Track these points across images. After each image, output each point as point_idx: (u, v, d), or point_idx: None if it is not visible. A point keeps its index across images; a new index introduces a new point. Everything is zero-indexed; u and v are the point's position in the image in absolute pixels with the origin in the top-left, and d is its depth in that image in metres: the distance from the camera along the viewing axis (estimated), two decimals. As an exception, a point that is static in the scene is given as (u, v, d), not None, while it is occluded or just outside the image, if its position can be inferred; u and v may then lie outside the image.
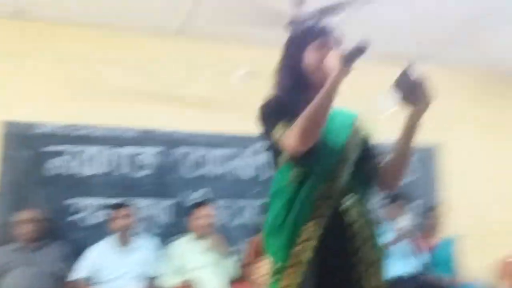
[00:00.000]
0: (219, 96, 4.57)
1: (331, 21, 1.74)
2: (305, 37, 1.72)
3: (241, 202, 4.43)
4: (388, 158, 1.70)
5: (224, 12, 4.01)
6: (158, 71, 4.45)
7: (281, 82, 1.74)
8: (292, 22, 3.49)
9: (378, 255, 1.62)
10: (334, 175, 1.61)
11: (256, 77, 4.57)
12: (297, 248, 1.55)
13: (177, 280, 3.67)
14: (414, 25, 4.34)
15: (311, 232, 1.55)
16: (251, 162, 4.54)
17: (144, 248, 3.86)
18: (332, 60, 1.50)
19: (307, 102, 1.56)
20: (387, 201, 4.43)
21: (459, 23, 4.26)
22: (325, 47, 1.66)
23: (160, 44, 4.48)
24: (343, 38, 1.71)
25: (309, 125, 1.48)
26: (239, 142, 4.53)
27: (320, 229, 1.56)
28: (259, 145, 4.53)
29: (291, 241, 1.56)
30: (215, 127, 4.47)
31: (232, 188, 4.44)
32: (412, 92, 1.52)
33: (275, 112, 1.63)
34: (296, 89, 1.69)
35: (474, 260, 4.70)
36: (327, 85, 1.47)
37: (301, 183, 1.58)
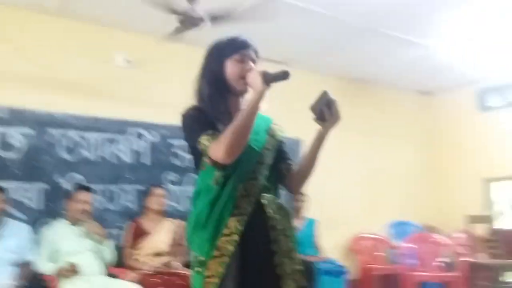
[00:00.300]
0: (96, 80, 4.52)
1: (250, 36, 1.90)
2: (226, 49, 1.84)
3: (118, 187, 4.46)
4: (296, 164, 1.94)
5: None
6: (33, 49, 4.26)
7: (203, 90, 1.85)
8: (183, 18, 3.63)
9: (293, 244, 1.85)
10: (253, 176, 1.78)
11: (133, 64, 4.63)
12: (221, 242, 1.70)
13: (53, 265, 3.63)
14: (291, 36, 4.77)
15: (233, 228, 1.71)
16: (128, 148, 4.57)
17: (16, 233, 3.73)
18: (252, 74, 1.71)
19: (228, 110, 1.76)
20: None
21: (326, 38, 4.80)
22: (244, 60, 1.82)
23: (37, 22, 4.28)
24: (259, 52, 1.88)
25: (236, 140, 1.64)
26: (116, 127, 4.53)
27: (242, 224, 1.72)
28: (136, 130, 4.60)
29: (215, 236, 1.70)
30: (92, 110, 4.42)
31: (109, 173, 4.44)
32: (324, 112, 1.80)
33: (199, 122, 1.75)
34: (217, 98, 1.82)
35: (327, 241, 5.34)
36: (251, 102, 1.67)
37: (224, 183, 1.75)
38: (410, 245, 5.68)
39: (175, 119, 4.67)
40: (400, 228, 6.33)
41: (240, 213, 1.73)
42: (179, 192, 4.76)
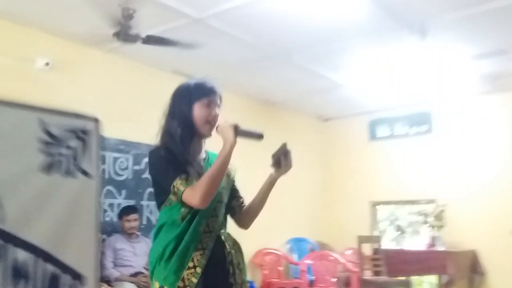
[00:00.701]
0: (14, 81, 4.25)
1: (215, 83, 2.03)
2: (195, 93, 1.96)
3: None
4: (248, 203, 2.12)
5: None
6: None
7: (173, 131, 1.94)
8: (120, 32, 3.63)
9: (245, 277, 2.02)
10: (214, 213, 1.94)
11: (52, 68, 4.45)
12: (185, 274, 1.83)
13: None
14: (212, 55, 4.96)
15: (197, 261, 1.84)
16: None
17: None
18: (225, 126, 1.87)
19: (193, 148, 1.94)
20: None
21: (241, 58, 5.07)
22: (211, 106, 1.96)
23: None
24: (222, 99, 2.03)
25: (211, 189, 1.79)
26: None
27: (205, 258, 1.86)
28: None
29: (180, 268, 1.82)
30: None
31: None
32: (281, 160, 2.01)
33: (171, 164, 1.86)
34: (187, 139, 1.94)
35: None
36: (223, 154, 1.84)
37: (189, 219, 1.88)
38: (309, 261, 6.07)
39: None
40: (297, 244, 6.74)
41: (203, 248, 1.88)
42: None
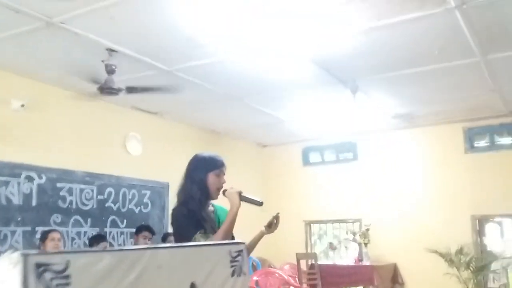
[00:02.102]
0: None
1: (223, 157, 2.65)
2: (210, 165, 2.54)
3: (8, 229, 4.51)
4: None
5: (19, 46, 4.09)
6: None
7: (193, 193, 2.49)
8: (105, 87, 4.10)
9: None
10: None
11: (28, 109, 4.77)
12: None
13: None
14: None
15: None
16: (19, 190, 4.66)
17: None
18: (232, 192, 2.47)
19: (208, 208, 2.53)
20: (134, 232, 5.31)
21: (199, 99, 5.69)
22: (220, 176, 2.56)
23: None
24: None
25: (224, 239, 2.36)
26: (8, 170, 4.61)
27: None
28: (26, 174, 4.74)
29: None
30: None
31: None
32: (273, 224, 2.68)
33: (192, 220, 2.41)
34: (203, 199, 2.51)
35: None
36: (231, 215, 2.43)
37: None
38: (256, 278, 6.71)
39: (63, 163, 4.91)
40: (241, 262, 7.33)
41: None
42: (64, 233, 4.97)
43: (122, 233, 5.62)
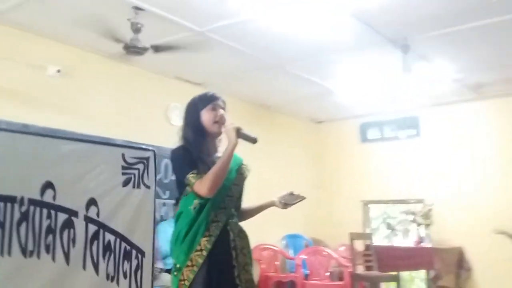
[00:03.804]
0: (29, 88, 4.59)
1: (216, 91, 2.49)
2: (200, 103, 2.40)
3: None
4: (244, 207, 2.53)
5: (48, 8, 4.05)
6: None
7: (188, 136, 2.36)
8: (130, 45, 3.98)
9: (250, 260, 2.42)
10: (223, 206, 2.33)
11: (64, 75, 4.77)
12: (193, 255, 2.24)
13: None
14: (212, 64, 5.35)
15: (203, 246, 2.24)
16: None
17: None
18: (229, 127, 2.29)
19: (207, 151, 2.35)
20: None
21: (239, 67, 5.46)
22: (215, 109, 2.39)
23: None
24: (223, 100, 2.46)
25: (216, 181, 2.19)
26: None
27: (210, 243, 2.24)
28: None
29: (190, 250, 2.24)
30: (21, 117, 4.48)
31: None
32: (289, 203, 2.48)
33: (186, 160, 2.27)
34: (199, 141, 2.35)
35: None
36: (226, 151, 2.24)
37: (200, 209, 2.27)
38: (304, 256, 6.43)
39: (102, 130, 4.92)
40: (292, 240, 7.09)
41: (210, 235, 2.28)
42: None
43: (164, 204, 5.54)
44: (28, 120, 4.48)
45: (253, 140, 2.32)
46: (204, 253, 2.23)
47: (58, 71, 4.62)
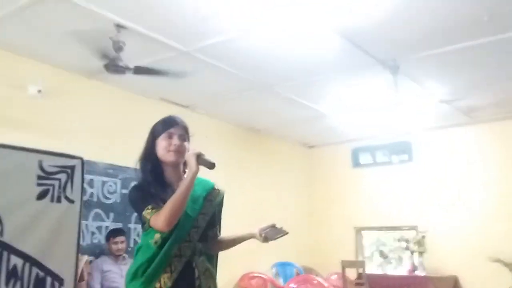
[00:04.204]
0: (8, 108, 4.45)
1: (178, 117, 2.29)
2: (157, 130, 2.21)
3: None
4: (221, 237, 2.34)
5: (27, 26, 3.95)
6: None
7: (145, 167, 2.19)
8: (110, 64, 3.86)
9: None
10: (188, 238, 2.12)
11: (45, 95, 4.64)
12: None
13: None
14: (199, 85, 5.23)
15: (163, 283, 2.03)
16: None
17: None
18: (189, 155, 2.09)
19: (167, 180, 2.16)
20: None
21: (226, 88, 5.34)
22: (171, 137, 2.18)
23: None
24: (184, 126, 2.24)
25: (174, 213, 1.98)
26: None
27: (172, 280, 2.04)
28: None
29: (148, 287, 2.03)
30: (4, 139, 4.32)
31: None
32: (269, 236, 2.31)
33: (141, 198, 2.10)
34: (154, 171, 2.16)
35: (218, 278, 5.61)
36: (185, 181, 2.04)
37: (162, 243, 2.07)
38: (294, 285, 6.20)
39: (82, 153, 4.74)
40: (283, 268, 6.87)
41: (171, 271, 2.07)
42: (83, 226, 4.71)
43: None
44: (8, 140, 4.32)
45: (211, 165, 2.10)
46: None
47: (39, 91, 4.49)
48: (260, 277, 6.47)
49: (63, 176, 2.61)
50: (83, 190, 2.68)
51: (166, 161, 2.17)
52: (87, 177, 4.83)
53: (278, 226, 2.36)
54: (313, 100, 5.81)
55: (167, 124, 2.21)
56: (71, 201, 2.64)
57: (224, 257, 6.14)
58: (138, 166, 2.21)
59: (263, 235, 2.30)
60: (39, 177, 2.50)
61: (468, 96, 5.68)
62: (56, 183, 2.55)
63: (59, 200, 2.60)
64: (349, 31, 3.95)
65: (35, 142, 4.42)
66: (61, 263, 2.57)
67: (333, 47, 4.24)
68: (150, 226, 2.06)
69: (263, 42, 4.15)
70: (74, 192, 2.67)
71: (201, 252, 2.17)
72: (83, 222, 4.72)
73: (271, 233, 2.31)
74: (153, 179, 2.14)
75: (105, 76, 4.60)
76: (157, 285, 2.02)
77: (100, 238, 4.89)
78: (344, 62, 4.60)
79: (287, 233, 2.29)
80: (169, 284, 2.03)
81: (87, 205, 4.81)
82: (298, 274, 6.88)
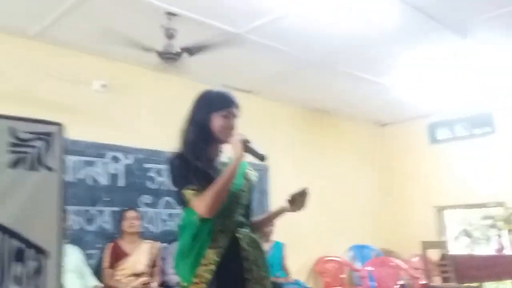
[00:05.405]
0: (75, 103, 4.65)
1: (234, 95, 2.14)
2: (215, 104, 2.09)
3: (95, 209, 4.54)
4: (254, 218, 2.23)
5: (88, 25, 4.11)
6: (11, 72, 4.29)
7: (188, 136, 2.07)
8: (164, 52, 3.89)
9: (265, 273, 2.10)
10: (230, 214, 2.04)
11: (110, 90, 4.79)
12: (199, 270, 1.96)
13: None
14: (258, 68, 5.16)
15: (210, 258, 1.96)
16: (105, 170, 4.69)
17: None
18: (236, 140, 2.01)
19: (208, 156, 2.06)
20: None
21: (285, 69, 5.20)
22: (229, 117, 2.09)
23: (17, 46, 4.34)
24: (241, 110, 2.14)
25: (216, 200, 1.91)
26: (93, 150, 4.65)
27: (218, 256, 1.96)
28: (112, 154, 4.74)
29: (195, 265, 1.96)
30: (70, 133, 4.52)
31: (86, 194, 4.51)
32: (296, 200, 2.18)
33: (184, 172, 1.99)
34: (200, 145, 2.05)
35: (293, 263, 5.57)
36: (230, 167, 1.97)
37: (204, 219, 1.99)
38: (371, 268, 6.00)
39: (149, 144, 4.85)
40: (360, 251, 6.67)
41: (217, 246, 1.99)
42: (154, 214, 4.90)
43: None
44: (76, 135, 4.53)
45: (261, 157, 2.01)
46: (212, 266, 1.95)
47: (104, 85, 4.65)
48: (336, 260, 6.34)
49: (40, 144, 2.48)
50: (63, 158, 2.56)
51: (217, 138, 2.09)
52: (155, 166, 5.00)
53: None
54: (379, 74, 5.53)
55: (229, 102, 2.11)
56: (49, 169, 2.51)
57: (298, 241, 6.12)
58: (184, 132, 2.11)
59: (289, 202, 2.19)
60: (12, 144, 2.39)
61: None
62: (33, 150, 2.42)
63: (36, 168, 2.47)
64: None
65: (101, 134, 4.63)
66: (44, 234, 2.45)
67: (395, 14, 3.99)
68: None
69: (317, 16, 3.99)
70: (53, 160, 2.49)
71: (244, 225, 2.11)
72: (154, 210, 4.91)
73: (296, 196, 2.20)
74: (201, 152, 2.05)
75: (167, 67, 4.66)
76: (204, 261, 1.96)
77: (172, 224, 4.99)
78: (407, 30, 4.32)
79: (306, 188, 2.14)
80: (216, 258, 1.97)
81: (158, 194, 4.96)
82: (376, 256, 6.66)
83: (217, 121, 2.07)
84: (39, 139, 2.47)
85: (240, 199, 2.11)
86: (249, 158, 2.06)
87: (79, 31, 4.25)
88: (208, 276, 1.95)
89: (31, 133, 2.46)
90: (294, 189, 2.23)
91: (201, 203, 1.92)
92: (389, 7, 3.90)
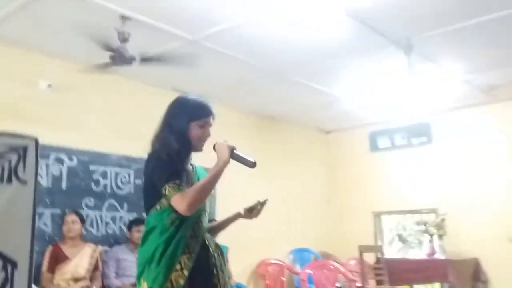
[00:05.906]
0: (20, 103, 4.48)
1: (210, 103, 2.22)
2: (193, 113, 2.15)
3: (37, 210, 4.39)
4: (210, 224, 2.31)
5: (34, 21, 3.96)
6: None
7: (171, 145, 2.09)
8: (116, 55, 3.83)
9: (227, 278, 2.20)
10: (200, 220, 2.12)
11: (56, 90, 4.65)
12: (173, 276, 1.98)
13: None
14: (212, 75, 5.20)
15: (184, 264, 2.01)
16: (47, 172, 4.55)
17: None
18: (222, 146, 2.08)
19: (187, 162, 2.14)
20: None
21: (238, 76, 5.28)
22: (205, 126, 2.17)
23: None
24: (215, 119, 2.21)
25: (199, 199, 1.97)
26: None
27: (191, 261, 2.02)
28: (56, 155, 4.61)
29: (169, 270, 1.98)
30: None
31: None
32: (254, 209, 2.30)
33: (168, 168, 2.02)
34: (183, 153, 2.12)
35: (235, 266, 5.63)
36: (216, 170, 2.02)
37: (179, 224, 2.04)
38: (310, 271, 6.18)
39: (95, 145, 4.77)
40: (300, 254, 6.85)
41: (189, 251, 2.04)
42: (97, 217, 4.81)
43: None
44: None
45: (252, 164, 2.08)
46: (185, 272, 1.98)
47: (49, 85, 4.51)
48: (277, 263, 6.47)
49: (13, 157, 2.49)
50: (37, 172, 2.59)
51: (195, 148, 2.17)
52: (100, 168, 4.91)
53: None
54: (327, 85, 5.71)
55: (206, 112, 2.18)
56: (23, 182, 2.54)
57: (241, 244, 6.18)
58: (160, 137, 2.13)
59: (247, 210, 2.31)
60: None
61: (487, 73, 5.47)
62: (6, 163, 2.43)
63: (9, 181, 2.48)
64: (356, 11, 3.83)
65: (45, 135, 4.48)
66: (14, 245, 2.45)
67: (344, 29, 4.14)
68: (167, 204, 2.01)
69: (272, 27, 4.08)
70: (26, 173, 2.48)
71: (208, 231, 2.19)
72: (97, 212, 4.83)
73: (255, 206, 2.31)
74: (180, 156, 2.09)
75: (115, 69, 4.58)
76: (178, 267, 1.99)
77: (115, 228, 4.93)
78: (356, 44, 4.49)
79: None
80: (190, 264, 2.01)
81: (101, 196, 4.87)
82: (315, 260, 6.86)
83: (194, 131, 2.14)
84: (13, 152, 2.47)
85: (206, 205, 2.19)
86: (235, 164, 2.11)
87: (27, 30, 4.12)
88: (182, 281, 1.98)
89: (5, 145, 2.43)
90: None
91: (183, 199, 1.94)
92: (337, 22, 4.03)
